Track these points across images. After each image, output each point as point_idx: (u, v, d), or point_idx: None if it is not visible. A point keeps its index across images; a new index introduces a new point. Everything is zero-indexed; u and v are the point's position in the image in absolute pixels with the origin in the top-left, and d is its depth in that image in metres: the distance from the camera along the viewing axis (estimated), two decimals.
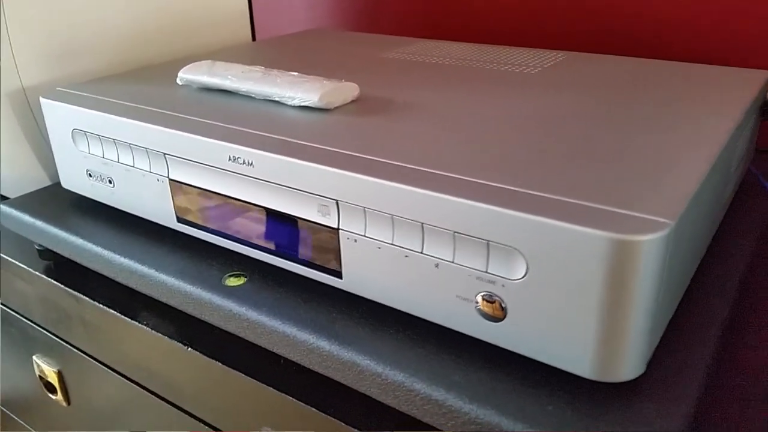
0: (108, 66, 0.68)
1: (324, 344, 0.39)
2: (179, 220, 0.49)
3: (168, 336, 0.50)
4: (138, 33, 0.70)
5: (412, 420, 0.37)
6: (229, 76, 0.52)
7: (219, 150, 0.43)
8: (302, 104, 0.48)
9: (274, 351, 0.42)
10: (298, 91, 0.48)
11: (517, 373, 0.36)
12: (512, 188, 0.34)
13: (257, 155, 0.41)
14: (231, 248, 0.47)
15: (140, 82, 0.58)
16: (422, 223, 0.36)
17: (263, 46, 0.72)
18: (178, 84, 0.55)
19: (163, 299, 0.47)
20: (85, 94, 0.54)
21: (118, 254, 0.50)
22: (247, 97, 0.51)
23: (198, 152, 0.45)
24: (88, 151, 0.53)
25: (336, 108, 0.48)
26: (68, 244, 0.53)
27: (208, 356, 0.47)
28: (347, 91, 0.49)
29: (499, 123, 0.44)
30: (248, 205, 0.44)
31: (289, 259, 0.44)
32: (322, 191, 0.39)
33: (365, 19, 0.91)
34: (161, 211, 0.50)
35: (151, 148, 0.48)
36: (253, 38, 0.84)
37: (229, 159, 0.43)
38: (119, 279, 0.50)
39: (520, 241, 0.32)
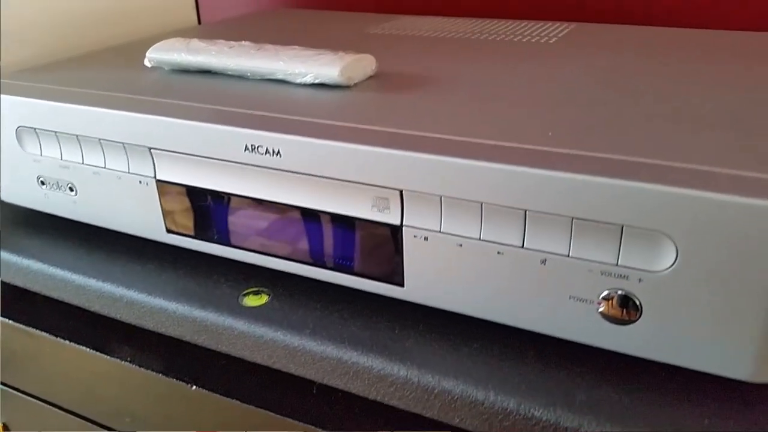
0: (36, 56, 0.57)
1: (397, 368, 0.31)
2: (170, 230, 0.40)
3: (162, 373, 0.40)
4: (69, 18, 0.59)
5: None
6: (213, 52, 0.43)
7: (231, 138, 0.34)
8: (316, 81, 0.40)
9: (326, 383, 0.34)
10: (311, 65, 0.40)
11: (648, 382, 0.29)
12: (639, 160, 0.28)
13: (286, 141, 0.33)
14: (246, 260, 0.38)
15: (93, 67, 0.47)
16: (525, 210, 0.29)
17: (221, 28, 0.63)
18: (146, 66, 0.45)
19: (162, 330, 0.38)
20: (28, 83, 0.44)
21: (94, 278, 0.40)
22: (238, 77, 0.43)
23: (199, 143, 0.36)
24: (40, 153, 0.42)
25: (356, 84, 0.40)
26: (22, 270, 0.43)
27: (221, 394, 0.38)
28: (366, 64, 0.41)
29: (557, 89, 0.38)
30: (272, 205, 0.36)
31: (330, 268, 0.35)
32: (379, 180, 0.32)
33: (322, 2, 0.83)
34: (144, 220, 0.41)
35: (131, 142, 0.38)
36: (199, 21, 0.74)
37: (247, 149, 0.34)
38: (96, 308, 0.40)
39: (670, 222, 0.26)
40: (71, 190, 0.42)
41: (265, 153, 0.34)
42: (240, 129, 0.34)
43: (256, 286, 0.38)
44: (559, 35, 0.54)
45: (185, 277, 0.39)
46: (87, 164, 0.41)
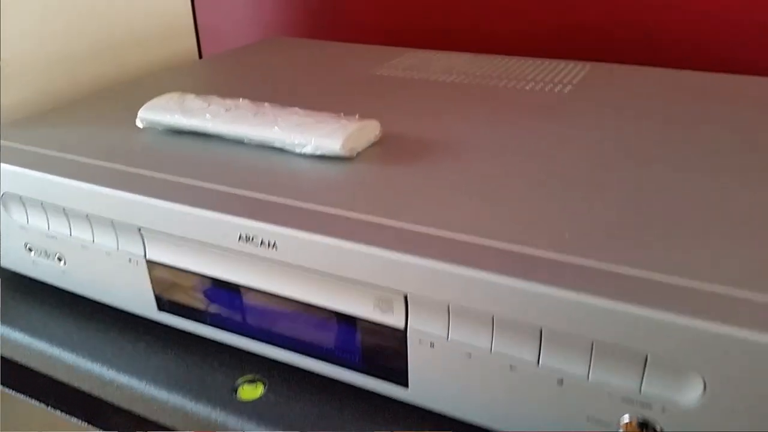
0: (38, 93, 0.55)
1: None
2: (162, 307, 0.38)
3: None
4: (70, 53, 0.57)
5: None
6: (209, 116, 0.41)
7: (225, 227, 0.32)
8: (317, 153, 0.37)
9: None
10: (311, 135, 0.37)
11: None
12: (665, 279, 0.25)
13: (283, 235, 0.31)
14: (240, 346, 0.36)
15: (86, 123, 0.45)
16: (541, 328, 0.26)
17: (221, 64, 0.60)
18: (138, 126, 0.43)
19: (153, 418, 0.36)
20: (16, 144, 0.42)
21: (83, 356, 0.38)
22: (234, 141, 0.40)
23: (191, 228, 0.33)
24: (26, 221, 0.40)
25: (358, 154, 0.38)
26: (9, 342, 0.41)
27: None
28: (369, 130, 0.39)
29: (572, 165, 0.36)
30: (268, 294, 0.33)
31: (329, 362, 0.33)
32: (381, 282, 0.29)
33: (324, 25, 0.80)
34: (135, 297, 0.39)
35: (120, 220, 0.36)
36: (199, 51, 0.72)
37: (241, 238, 0.32)
38: (87, 389, 0.39)
39: (699, 356, 0.24)
40: (59, 260, 0.40)
41: (261, 244, 0.32)
42: (234, 218, 0.32)
43: (251, 373, 0.36)
44: (573, 81, 0.51)
45: (177, 360, 0.37)
46: (75, 237, 0.39)
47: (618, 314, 0.24)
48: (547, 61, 0.57)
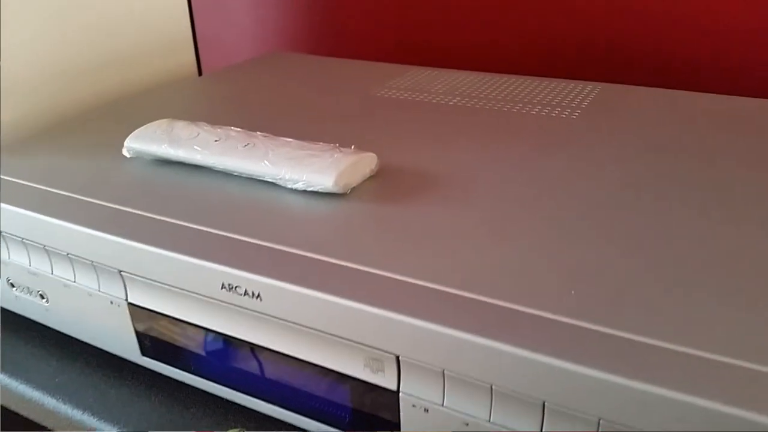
0: (37, 108, 0.53)
1: None
2: (145, 352, 0.36)
3: None
4: (69, 67, 0.55)
5: None
6: (197, 147, 0.39)
7: (207, 274, 0.30)
8: (308, 189, 0.35)
9: None
10: (303, 171, 0.35)
11: None
12: (680, 349, 0.23)
13: (267, 286, 0.29)
14: (223, 396, 0.34)
15: (75, 150, 0.43)
16: (543, 402, 0.24)
17: (219, 83, 0.58)
18: (125, 156, 0.41)
19: None
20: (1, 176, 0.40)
21: (63, 402, 0.36)
22: (224, 173, 0.38)
23: (172, 275, 0.32)
24: (8, 257, 0.39)
25: (353, 190, 0.36)
26: None
27: None
28: (365, 164, 0.37)
29: (579, 207, 0.33)
30: (254, 346, 0.31)
31: (317, 419, 0.31)
32: (372, 341, 0.27)
33: (325, 39, 0.78)
34: (118, 339, 0.37)
35: (100, 262, 0.34)
36: (198, 64, 0.70)
37: (224, 287, 0.30)
38: None
39: None
40: (42, 297, 0.39)
41: (244, 294, 0.30)
42: (216, 266, 0.30)
43: (236, 423, 0.34)
44: (582, 105, 0.49)
45: (161, 407, 0.35)
46: (56, 276, 0.37)
47: (630, 392, 0.22)
48: (555, 81, 0.54)
